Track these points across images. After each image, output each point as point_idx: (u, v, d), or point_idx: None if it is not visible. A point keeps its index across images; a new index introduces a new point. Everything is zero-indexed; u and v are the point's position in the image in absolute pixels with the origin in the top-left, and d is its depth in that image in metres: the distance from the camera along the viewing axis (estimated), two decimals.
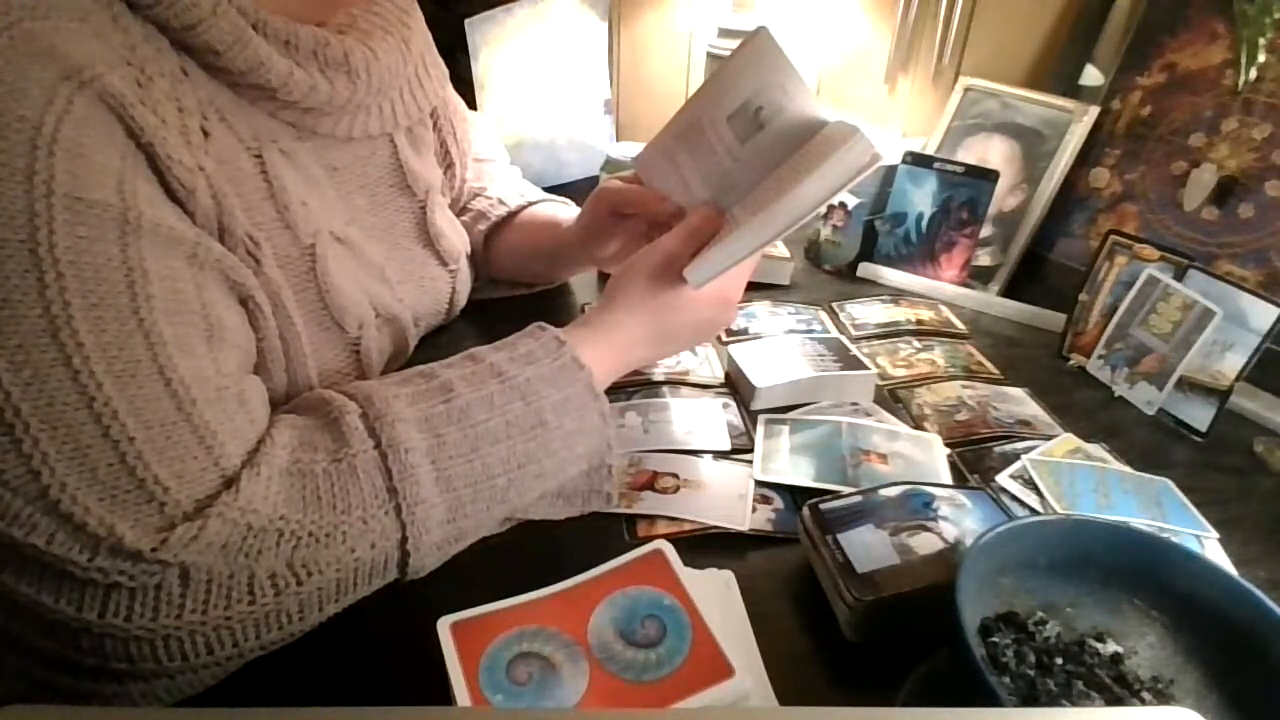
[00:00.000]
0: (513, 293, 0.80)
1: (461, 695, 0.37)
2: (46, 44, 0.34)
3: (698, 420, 0.63)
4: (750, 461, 0.59)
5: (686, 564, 0.44)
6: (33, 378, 0.32)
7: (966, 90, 1.00)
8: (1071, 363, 0.77)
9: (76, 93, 0.35)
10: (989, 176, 0.89)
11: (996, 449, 0.61)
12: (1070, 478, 0.57)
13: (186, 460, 0.35)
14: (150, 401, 0.35)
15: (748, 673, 0.39)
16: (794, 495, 0.56)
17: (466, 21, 1.03)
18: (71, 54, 0.35)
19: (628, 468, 0.57)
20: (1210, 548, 0.53)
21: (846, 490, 0.53)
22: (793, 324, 0.79)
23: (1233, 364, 0.65)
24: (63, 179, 0.33)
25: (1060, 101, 0.93)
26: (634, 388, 0.67)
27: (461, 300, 0.72)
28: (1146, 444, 0.66)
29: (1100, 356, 0.75)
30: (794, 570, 0.50)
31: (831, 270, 0.95)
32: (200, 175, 0.41)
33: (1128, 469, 0.60)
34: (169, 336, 0.36)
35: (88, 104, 0.35)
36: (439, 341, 0.70)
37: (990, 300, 0.89)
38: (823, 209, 0.50)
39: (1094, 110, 0.90)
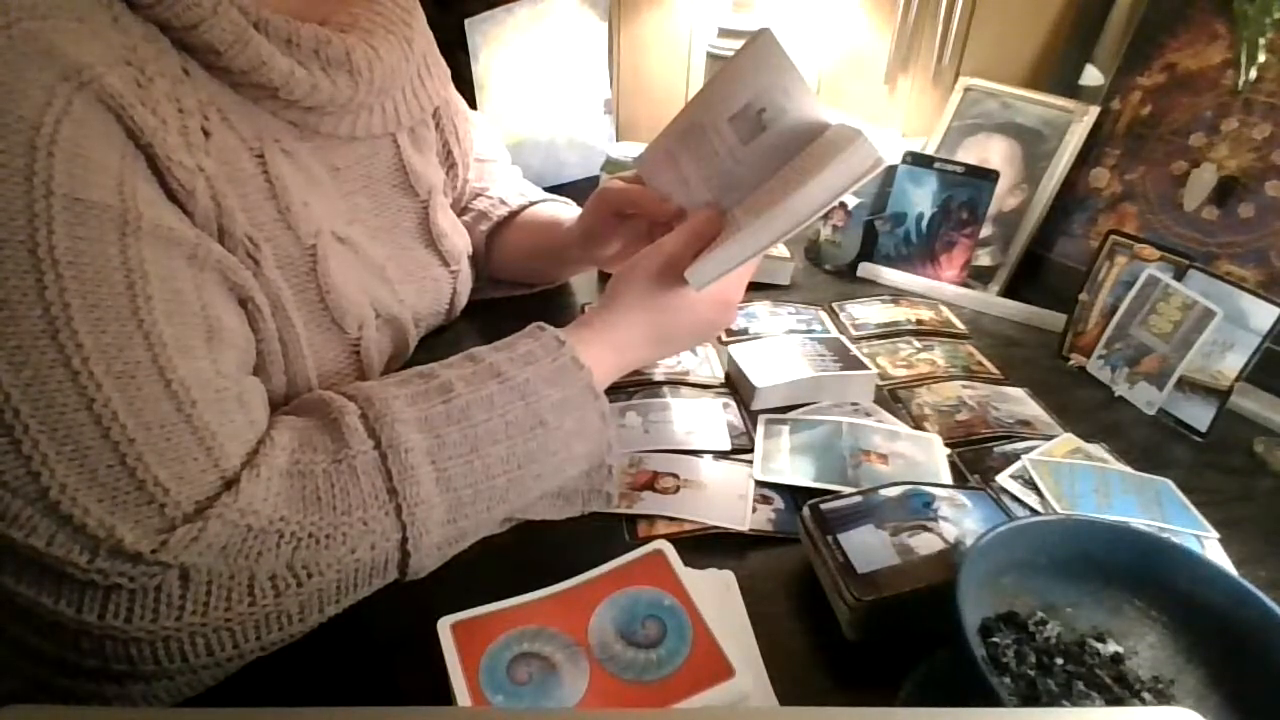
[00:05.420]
0: (513, 293, 0.80)
1: (462, 695, 0.37)
2: (45, 44, 0.34)
3: (698, 420, 0.63)
4: (750, 461, 0.59)
5: (687, 564, 0.44)
6: (32, 379, 0.32)
7: (966, 90, 1.00)
8: (1071, 363, 0.77)
9: (75, 93, 0.35)
10: (989, 176, 0.89)
11: (996, 449, 0.61)
12: (1070, 478, 0.57)
13: (186, 461, 0.35)
14: (150, 403, 0.35)
15: (748, 673, 0.39)
16: (794, 495, 0.56)
17: (466, 21, 1.03)
18: (70, 54, 0.35)
19: (628, 468, 0.57)
20: (1210, 548, 0.53)
21: (847, 490, 0.53)
22: (793, 324, 0.79)
23: (1233, 364, 0.65)
24: (62, 179, 0.33)
25: (1060, 101, 0.93)
26: (634, 388, 0.67)
27: (462, 301, 0.72)
28: (1146, 444, 0.66)
29: (1100, 356, 0.75)
30: (794, 570, 0.50)
31: (831, 270, 0.95)
32: (200, 176, 0.41)
33: (1128, 469, 0.60)
34: (169, 337, 0.36)
35: (87, 104, 0.35)
36: (439, 341, 0.70)
37: (990, 300, 0.89)
38: (824, 212, 0.50)
39: (1094, 110, 0.90)
